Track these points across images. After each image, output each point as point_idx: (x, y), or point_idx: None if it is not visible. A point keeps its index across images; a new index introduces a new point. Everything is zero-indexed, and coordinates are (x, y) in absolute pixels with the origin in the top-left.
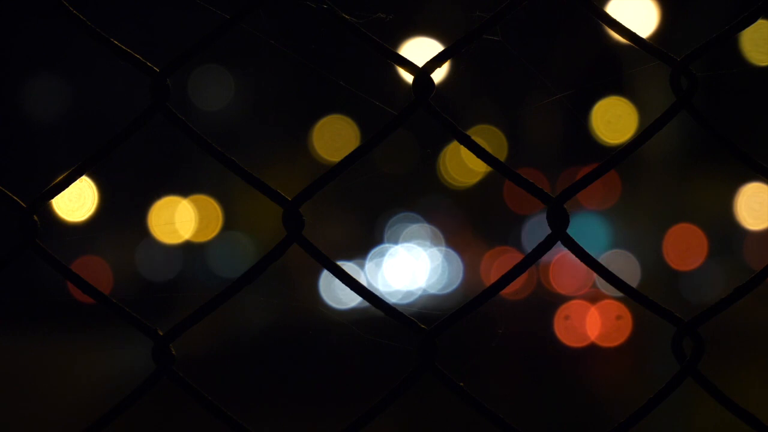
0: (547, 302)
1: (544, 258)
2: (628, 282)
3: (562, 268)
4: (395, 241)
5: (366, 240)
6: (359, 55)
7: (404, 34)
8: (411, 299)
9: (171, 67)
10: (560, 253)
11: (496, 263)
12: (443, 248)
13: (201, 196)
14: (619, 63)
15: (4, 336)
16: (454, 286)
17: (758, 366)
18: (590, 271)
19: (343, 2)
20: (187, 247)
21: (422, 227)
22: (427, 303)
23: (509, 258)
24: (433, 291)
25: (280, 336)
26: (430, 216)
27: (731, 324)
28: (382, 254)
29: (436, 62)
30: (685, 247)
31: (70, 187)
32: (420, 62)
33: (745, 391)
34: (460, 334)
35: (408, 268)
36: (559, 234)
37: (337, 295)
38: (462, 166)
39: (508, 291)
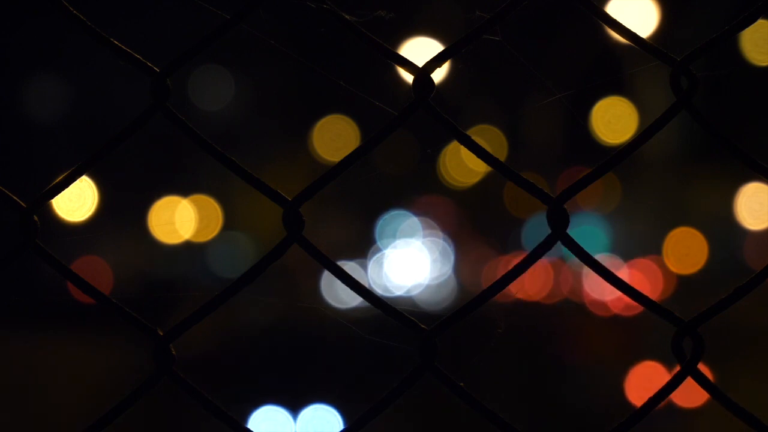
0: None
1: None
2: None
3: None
4: (394, 242)
5: (366, 240)
6: (359, 55)
7: (404, 34)
8: (409, 299)
9: (171, 67)
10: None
11: (496, 264)
12: (442, 248)
13: (201, 196)
14: (619, 63)
15: (3, 336)
16: (452, 287)
17: (758, 366)
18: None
19: (344, 2)
20: (187, 247)
21: (421, 227)
22: (424, 303)
23: (509, 258)
24: (431, 291)
25: (281, 336)
26: (429, 216)
27: (731, 324)
28: (381, 254)
29: (436, 62)
30: (686, 251)
31: (70, 187)
32: (420, 62)
33: (745, 391)
34: (460, 335)
35: (407, 268)
36: (559, 234)
37: (338, 294)
38: (462, 166)
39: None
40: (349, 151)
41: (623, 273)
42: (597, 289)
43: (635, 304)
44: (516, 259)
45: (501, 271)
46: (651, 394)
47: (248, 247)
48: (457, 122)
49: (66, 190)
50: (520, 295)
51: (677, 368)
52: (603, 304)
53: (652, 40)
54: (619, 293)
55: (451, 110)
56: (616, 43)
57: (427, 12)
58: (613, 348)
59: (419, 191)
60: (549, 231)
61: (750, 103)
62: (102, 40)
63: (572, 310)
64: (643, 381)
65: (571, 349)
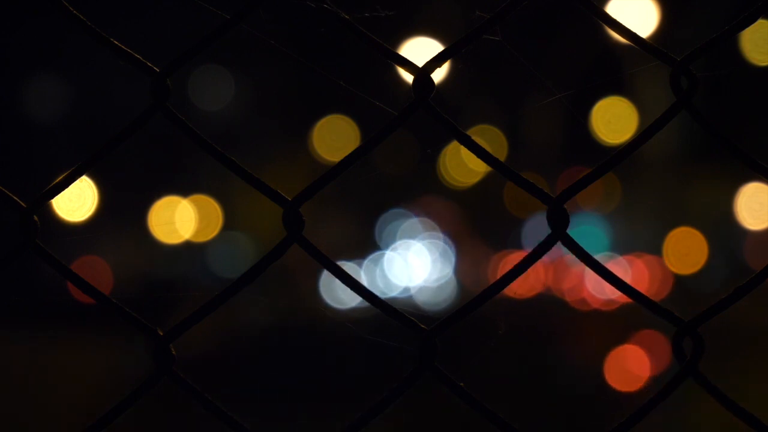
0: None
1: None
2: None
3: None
4: (394, 242)
5: (365, 240)
6: (359, 55)
7: (404, 34)
8: (409, 300)
9: (171, 67)
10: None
11: (496, 264)
12: (442, 248)
13: (201, 196)
14: (619, 63)
15: (3, 336)
16: (452, 287)
17: (758, 366)
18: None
19: (344, 2)
20: (187, 247)
21: (421, 228)
22: (424, 303)
23: (509, 259)
24: (431, 291)
25: (281, 336)
26: (429, 216)
27: (731, 324)
28: (381, 255)
29: (436, 62)
30: (686, 250)
31: (70, 187)
32: (420, 62)
33: (745, 391)
34: (460, 335)
35: (407, 268)
36: (559, 234)
37: (337, 294)
38: (462, 166)
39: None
40: (349, 151)
41: (623, 273)
42: (580, 286)
43: (615, 299)
44: (514, 258)
45: (501, 271)
46: (633, 379)
47: (248, 247)
48: (457, 122)
49: (66, 190)
50: (514, 295)
51: (661, 353)
52: (583, 300)
53: (652, 40)
54: (603, 290)
55: (451, 110)
56: (616, 43)
57: (427, 12)
58: (604, 342)
59: (419, 191)
60: (549, 231)
61: (750, 103)
62: (102, 40)
63: (556, 307)
64: (624, 368)
65: (566, 346)
